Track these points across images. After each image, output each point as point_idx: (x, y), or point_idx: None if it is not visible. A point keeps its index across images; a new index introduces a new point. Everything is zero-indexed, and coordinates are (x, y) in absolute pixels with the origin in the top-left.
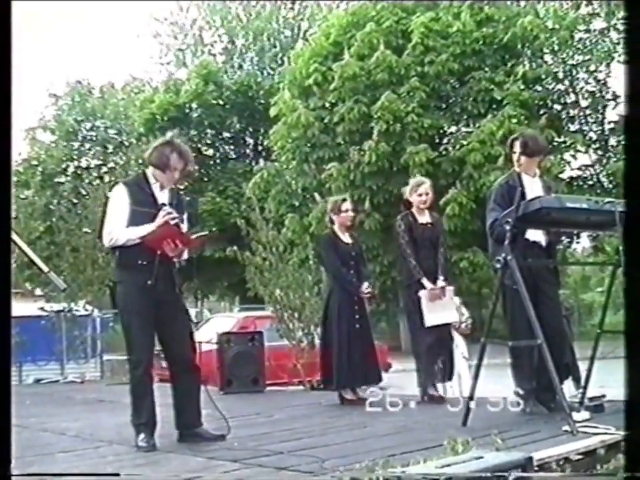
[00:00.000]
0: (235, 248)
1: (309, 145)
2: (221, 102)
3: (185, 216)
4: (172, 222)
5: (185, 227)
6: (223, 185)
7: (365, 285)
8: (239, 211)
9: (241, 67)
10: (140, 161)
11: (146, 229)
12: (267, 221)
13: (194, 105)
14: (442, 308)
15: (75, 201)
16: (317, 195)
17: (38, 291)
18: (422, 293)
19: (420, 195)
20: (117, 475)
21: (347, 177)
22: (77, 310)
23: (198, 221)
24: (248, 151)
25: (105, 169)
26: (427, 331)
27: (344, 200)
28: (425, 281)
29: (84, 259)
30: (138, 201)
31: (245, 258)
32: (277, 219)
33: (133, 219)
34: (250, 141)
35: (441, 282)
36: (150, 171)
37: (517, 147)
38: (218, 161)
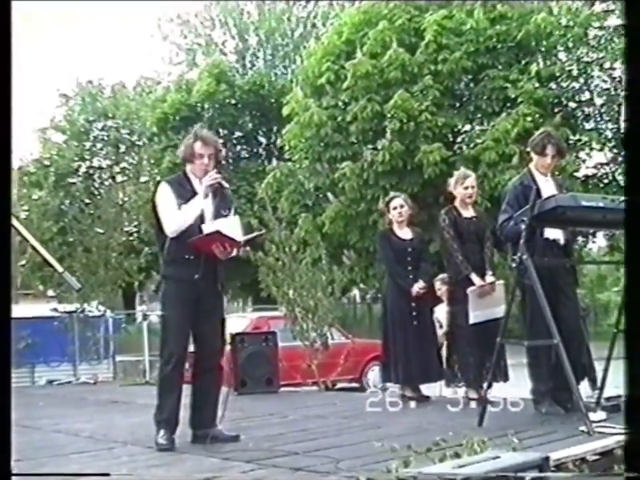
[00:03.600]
0: (248, 248)
1: (321, 144)
2: (233, 101)
3: (233, 210)
4: (214, 181)
5: (232, 218)
6: (235, 185)
7: (421, 283)
8: (252, 210)
9: (252, 66)
10: (152, 161)
11: (196, 200)
12: (279, 220)
13: (206, 105)
14: (491, 304)
15: (88, 201)
16: (330, 195)
17: (50, 292)
18: (470, 290)
19: (466, 188)
20: (107, 474)
21: (360, 177)
22: (89, 311)
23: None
24: (260, 150)
25: (117, 169)
26: (474, 329)
27: (392, 198)
28: (473, 277)
29: (96, 259)
30: (182, 195)
31: (257, 258)
32: (290, 219)
33: None
34: (262, 140)
35: (489, 277)
36: (187, 168)
37: (551, 150)
38: (230, 160)
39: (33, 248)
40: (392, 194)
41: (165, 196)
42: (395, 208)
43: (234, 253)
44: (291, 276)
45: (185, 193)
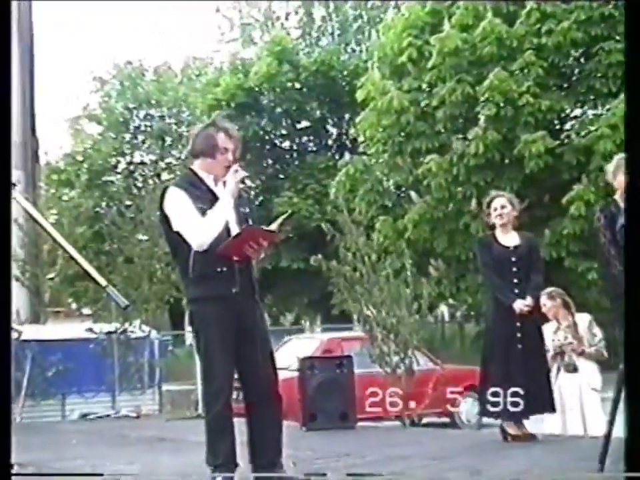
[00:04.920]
0: (320, 256)
1: (403, 134)
2: (298, 85)
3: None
4: (241, 176)
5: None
6: (301, 183)
7: (527, 299)
8: (321, 213)
9: (319, 42)
10: None
11: (224, 201)
12: (356, 224)
13: (266, 89)
14: None
15: (128, 202)
16: (413, 194)
17: (85, 310)
18: None
19: None
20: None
21: (448, 172)
22: (131, 331)
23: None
24: (330, 142)
25: (162, 164)
26: None
27: (493, 198)
28: None
29: (139, 271)
30: (199, 198)
31: (331, 268)
32: (367, 223)
33: None
34: (332, 130)
35: None
36: (197, 165)
37: None
38: (295, 154)
39: (71, 257)
40: (493, 192)
41: (181, 203)
42: (495, 209)
43: (267, 248)
44: (369, 289)
45: (202, 194)
